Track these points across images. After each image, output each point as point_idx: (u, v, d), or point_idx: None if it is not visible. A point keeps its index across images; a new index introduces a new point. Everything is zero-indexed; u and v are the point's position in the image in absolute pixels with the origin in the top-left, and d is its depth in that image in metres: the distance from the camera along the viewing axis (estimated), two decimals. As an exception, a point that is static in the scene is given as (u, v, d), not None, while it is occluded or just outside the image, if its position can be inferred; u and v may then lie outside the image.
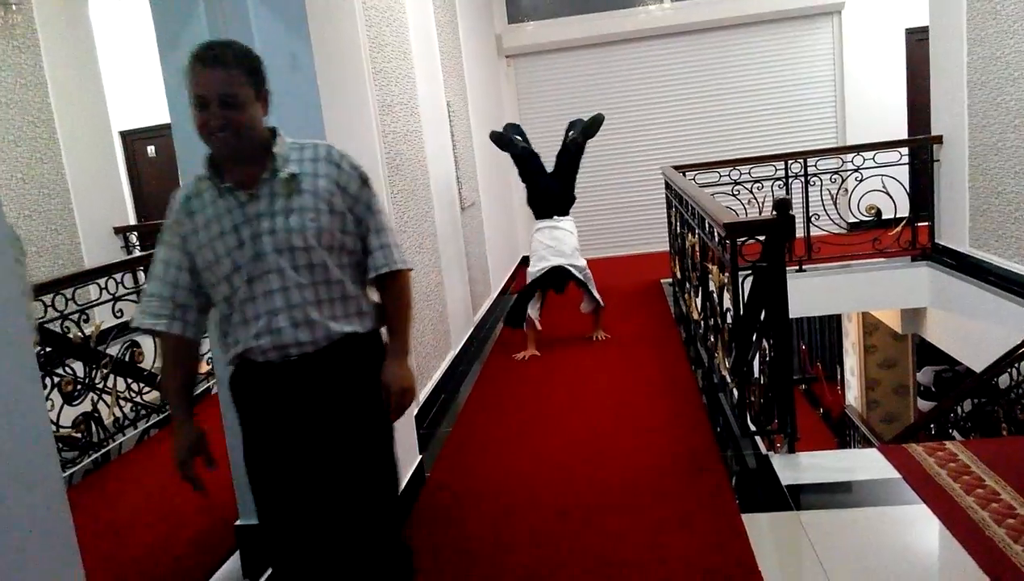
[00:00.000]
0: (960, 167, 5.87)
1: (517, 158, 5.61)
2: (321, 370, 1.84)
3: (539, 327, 5.35)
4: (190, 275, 1.84)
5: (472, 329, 5.70)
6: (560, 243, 5.31)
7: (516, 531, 2.87)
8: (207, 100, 1.73)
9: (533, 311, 5.27)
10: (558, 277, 5.26)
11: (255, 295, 1.79)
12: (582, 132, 5.44)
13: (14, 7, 5.50)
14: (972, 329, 5.85)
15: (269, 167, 1.80)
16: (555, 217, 5.43)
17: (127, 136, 8.50)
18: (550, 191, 5.48)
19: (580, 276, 5.24)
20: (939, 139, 6.15)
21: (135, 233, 6.81)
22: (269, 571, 2.58)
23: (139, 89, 7.78)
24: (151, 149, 8.59)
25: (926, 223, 6.39)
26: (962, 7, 5.57)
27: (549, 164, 5.68)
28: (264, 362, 1.82)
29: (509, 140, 5.59)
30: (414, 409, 3.82)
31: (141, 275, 5.05)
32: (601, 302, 5.35)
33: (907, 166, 6.53)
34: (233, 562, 2.82)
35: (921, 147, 6.46)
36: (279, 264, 1.79)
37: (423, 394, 4.24)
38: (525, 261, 6.76)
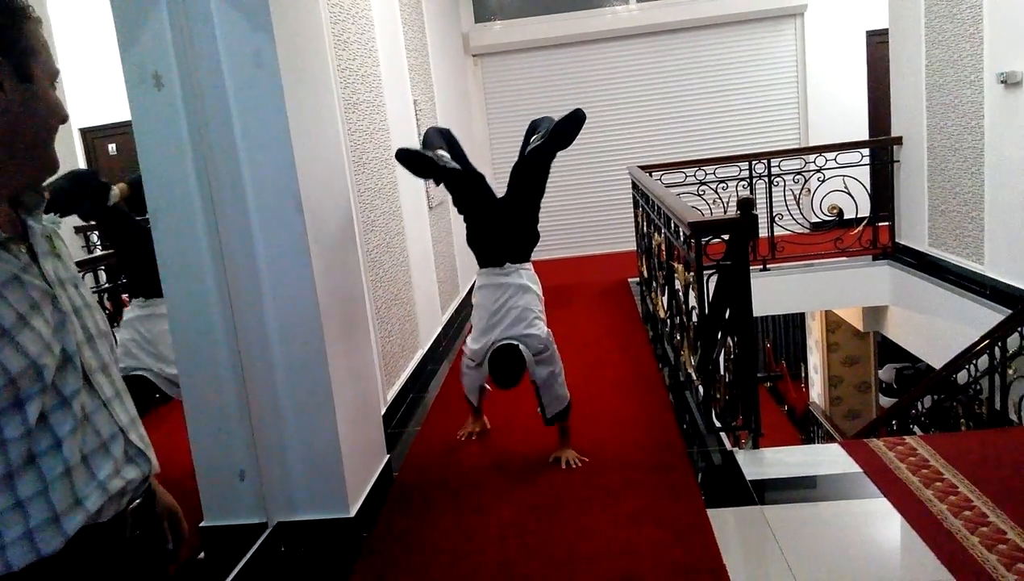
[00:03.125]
0: (919, 167, 5.99)
1: (447, 182, 3.43)
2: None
3: (484, 399, 3.79)
4: None
5: (440, 328, 5.69)
6: (507, 306, 3.33)
7: (486, 526, 2.88)
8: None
9: (473, 396, 3.70)
10: (505, 360, 3.28)
11: (90, 410, 1.10)
12: (549, 136, 3.35)
13: (-31, 1, 5.38)
14: (932, 326, 5.97)
15: (28, 210, 1.14)
16: (507, 264, 3.41)
17: (87, 133, 8.33)
18: (499, 226, 3.44)
19: (528, 356, 3.27)
20: (899, 140, 6.28)
21: (96, 232, 6.69)
22: (234, 574, 2.55)
23: (99, 85, 7.64)
24: (112, 147, 8.44)
25: (887, 223, 6.51)
26: (920, 10, 5.69)
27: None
28: (112, 518, 1.13)
29: (429, 162, 3.32)
30: (381, 410, 3.80)
31: (103, 275, 4.96)
32: (564, 402, 3.38)
33: (868, 166, 6.65)
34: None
35: (881, 148, 6.59)
36: (103, 357, 1.16)
37: (391, 394, 4.22)
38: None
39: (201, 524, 2.78)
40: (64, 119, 1.13)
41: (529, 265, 3.52)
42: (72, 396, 1.07)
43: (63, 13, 7.15)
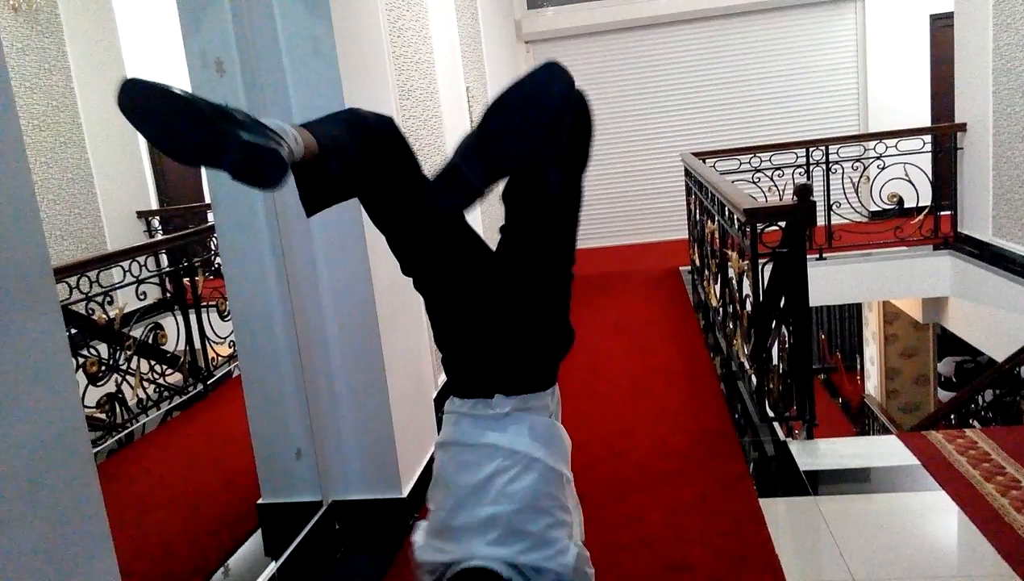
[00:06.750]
0: (984, 155, 5.81)
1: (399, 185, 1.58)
2: None
3: None
4: None
5: (490, 315, 5.71)
6: (493, 493, 1.51)
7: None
8: None
9: None
10: None
11: None
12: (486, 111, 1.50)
13: (38, -8, 5.55)
14: (994, 319, 5.80)
15: None
16: (497, 397, 1.56)
17: (149, 121, 8.55)
18: (486, 307, 1.59)
19: None
20: (963, 127, 6.09)
21: (157, 217, 6.88)
22: (290, 550, 2.62)
23: (161, 73, 7.82)
24: (172, 134, 8.63)
25: (948, 212, 6.34)
26: (988, -8, 5.50)
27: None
28: None
29: (387, 129, 1.55)
30: (433, 393, 3.84)
31: (164, 259, 5.10)
32: None
33: (930, 154, 6.48)
34: (255, 540, 2.86)
35: (944, 135, 6.40)
36: None
37: (442, 379, 4.26)
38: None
39: (259, 501, 2.85)
40: None
41: (548, 398, 1.63)
42: None
43: (127, 4, 7.34)
